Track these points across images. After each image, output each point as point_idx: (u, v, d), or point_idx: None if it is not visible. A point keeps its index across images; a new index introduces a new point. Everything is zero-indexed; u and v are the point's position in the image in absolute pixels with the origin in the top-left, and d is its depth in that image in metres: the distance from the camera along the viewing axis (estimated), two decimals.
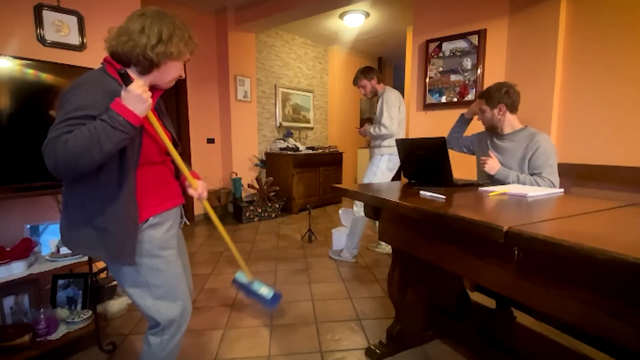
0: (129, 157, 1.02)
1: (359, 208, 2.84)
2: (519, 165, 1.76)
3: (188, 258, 1.42)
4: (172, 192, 1.23)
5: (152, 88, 1.18)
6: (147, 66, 1.06)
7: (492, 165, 1.77)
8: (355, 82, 2.97)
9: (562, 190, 1.42)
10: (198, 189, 1.30)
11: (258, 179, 4.57)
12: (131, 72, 1.05)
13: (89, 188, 1.02)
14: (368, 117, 6.75)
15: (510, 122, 1.83)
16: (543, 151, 1.70)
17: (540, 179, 1.67)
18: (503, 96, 1.78)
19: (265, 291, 1.75)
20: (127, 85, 0.97)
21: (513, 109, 1.81)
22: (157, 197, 1.15)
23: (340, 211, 3.29)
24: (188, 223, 1.26)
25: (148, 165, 1.11)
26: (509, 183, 1.70)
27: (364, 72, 2.91)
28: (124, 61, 1.05)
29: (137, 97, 0.95)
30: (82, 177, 1.00)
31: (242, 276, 1.83)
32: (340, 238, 3.13)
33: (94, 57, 2.25)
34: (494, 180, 1.78)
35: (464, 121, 2.15)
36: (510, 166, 1.78)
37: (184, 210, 1.30)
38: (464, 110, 2.77)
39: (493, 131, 1.92)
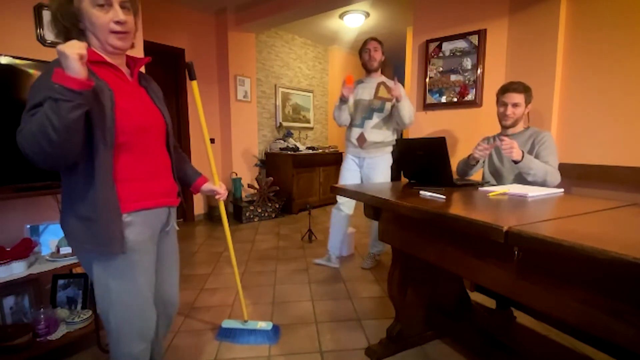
0: (99, 140, 0.94)
1: (339, 208, 2.73)
2: None
3: (177, 265, 1.32)
4: (158, 190, 1.11)
5: (131, 58, 1.12)
6: (65, 29, 0.97)
7: (518, 150, 1.67)
8: (370, 42, 2.59)
9: (562, 190, 1.42)
10: (222, 187, 1.38)
11: (258, 179, 4.57)
12: (91, 49, 0.97)
13: (70, 179, 0.98)
14: None
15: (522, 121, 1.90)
16: (549, 145, 1.78)
17: (549, 166, 1.72)
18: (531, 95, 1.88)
19: (263, 325, 1.78)
20: (191, 79, 1.04)
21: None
22: (137, 192, 1.04)
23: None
24: (177, 228, 1.21)
25: (129, 152, 1.01)
26: (532, 169, 1.65)
27: (382, 45, 2.62)
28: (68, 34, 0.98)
29: (61, 54, 0.81)
30: (67, 169, 0.97)
31: (230, 322, 1.85)
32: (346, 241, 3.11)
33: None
34: (515, 168, 1.75)
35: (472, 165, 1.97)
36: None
37: (172, 213, 1.19)
38: (464, 110, 2.78)
39: (500, 132, 1.96)
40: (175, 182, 1.21)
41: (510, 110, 1.84)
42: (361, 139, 2.60)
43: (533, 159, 1.71)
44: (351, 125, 2.67)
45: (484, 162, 2.00)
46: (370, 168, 2.65)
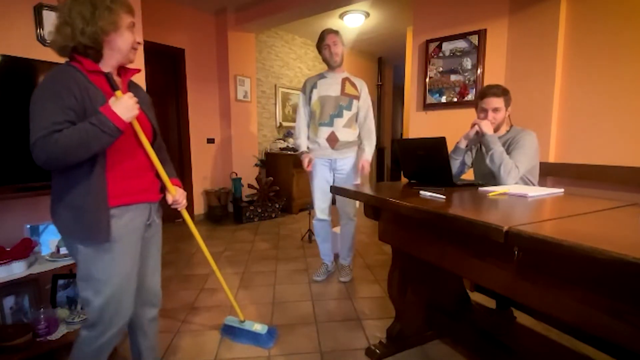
0: None
1: (318, 219, 2.59)
2: None
3: (159, 257, 1.37)
4: (141, 187, 1.19)
5: (123, 69, 1.20)
6: (92, 52, 1.08)
7: (490, 125, 1.74)
8: (327, 36, 2.39)
9: (562, 190, 1.42)
10: (176, 195, 1.30)
11: (258, 179, 4.57)
12: (89, 61, 1.08)
13: (67, 173, 1.07)
14: None
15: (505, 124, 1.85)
16: (522, 144, 1.71)
17: (511, 160, 1.67)
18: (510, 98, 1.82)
19: (259, 328, 1.76)
20: (114, 89, 1.06)
21: None
22: (121, 189, 1.12)
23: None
24: (157, 222, 1.32)
25: (116, 152, 1.10)
26: (490, 149, 1.69)
27: (340, 35, 2.42)
28: (77, 54, 1.08)
29: (129, 106, 1.04)
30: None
31: (232, 319, 1.85)
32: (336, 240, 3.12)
33: None
34: (482, 143, 1.78)
35: (460, 152, 1.93)
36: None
37: (153, 208, 1.28)
38: (463, 111, 2.78)
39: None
40: (157, 179, 1.28)
41: (490, 115, 1.77)
42: (332, 139, 2.42)
43: (498, 142, 1.70)
44: (316, 124, 2.46)
45: (472, 163, 1.98)
46: (343, 169, 2.49)
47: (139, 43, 1.17)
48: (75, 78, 1.03)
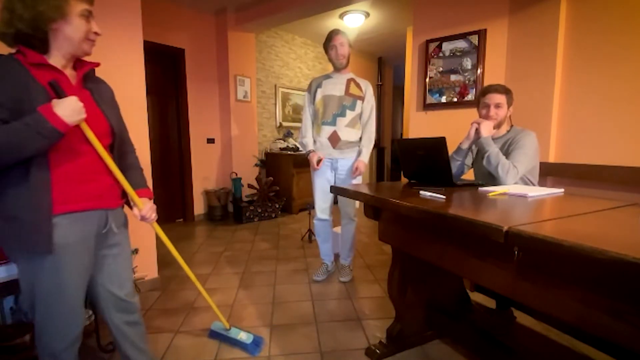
0: None
1: (319, 218, 2.59)
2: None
3: (126, 263, 1.27)
4: (93, 192, 1.07)
5: (79, 62, 1.10)
6: (36, 42, 0.97)
7: (489, 127, 1.74)
8: (335, 37, 2.38)
9: (562, 190, 1.42)
10: (143, 210, 1.18)
11: (258, 179, 4.57)
12: (33, 52, 0.98)
13: (1, 179, 0.96)
14: None
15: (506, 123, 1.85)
16: (523, 144, 1.70)
17: (507, 161, 1.66)
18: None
19: (244, 337, 1.75)
20: (59, 97, 0.94)
21: None
22: (68, 194, 1.01)
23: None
24: (116, 231, 1.18)
25: (58, 149, 0.99)
26: (486, 152, 1.69)
27: (347, 36, 2.41)
28: (21, 44, 0.97)
29: (76, 109, 0.94)
30: None
31: (219, 325, 1.84)
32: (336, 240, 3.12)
33: (93, 57, 2.25)
34: (477, 146, 1.79)
35: (462, 153, 1.91)
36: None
37: (110, 215, 1.15)
38: (463, 111, 2.78)
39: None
40: (118, 183, 1.16)
41: (493, 111, 1.77)
42: (334, 138, 2.43)
43: (493, 144, 1.70)
44: (319, 123, 2.46)
45: (472, 163, 1.98)
46: (345, 170, 2.48)
47: (96, 34, 1.05)
48: (13, 71, 0.93)
